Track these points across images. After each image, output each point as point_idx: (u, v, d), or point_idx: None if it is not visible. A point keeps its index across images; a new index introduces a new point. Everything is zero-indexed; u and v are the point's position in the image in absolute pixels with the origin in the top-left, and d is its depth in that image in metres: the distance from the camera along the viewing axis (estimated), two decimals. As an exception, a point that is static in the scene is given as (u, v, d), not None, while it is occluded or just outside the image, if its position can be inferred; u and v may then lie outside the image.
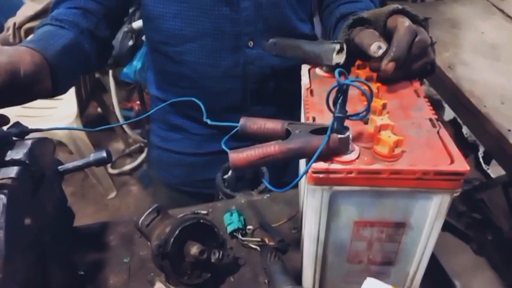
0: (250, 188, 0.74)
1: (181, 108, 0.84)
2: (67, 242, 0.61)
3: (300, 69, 0.62)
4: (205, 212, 0.67)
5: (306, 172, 0.40)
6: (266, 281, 0.56)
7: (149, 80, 0.89)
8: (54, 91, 0.60)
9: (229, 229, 0.62)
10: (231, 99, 0.78)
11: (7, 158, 0.49)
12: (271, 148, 0.41)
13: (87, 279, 0.58)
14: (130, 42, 1.69)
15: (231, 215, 0.64)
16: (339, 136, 0.40)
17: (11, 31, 2.14)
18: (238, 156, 0.40)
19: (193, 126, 0.85)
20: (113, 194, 1.98)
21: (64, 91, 0.63)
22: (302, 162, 0.62)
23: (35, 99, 0.57)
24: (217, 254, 0.54)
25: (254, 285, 0.56)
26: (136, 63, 1.75)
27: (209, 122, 0.54)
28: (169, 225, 0.54)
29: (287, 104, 0.77)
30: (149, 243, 0.56)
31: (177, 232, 0.52)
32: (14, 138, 0.53)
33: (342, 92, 0.40)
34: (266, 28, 0.72)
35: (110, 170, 2.05)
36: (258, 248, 0.60)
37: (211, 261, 0.54)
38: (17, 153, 0.50)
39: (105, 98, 2.08)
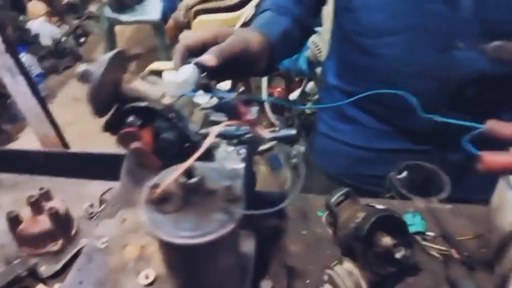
0: (421, 195, 0.71)
1: (360, 100, 0.83)
2: (251, 202, 0.67)
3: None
4: (382, 207, 0.67)
5: None
6: (451, 293, 0.53)
7: (329, 68, 0.91)
8: (264, 72, 0.66)
9: (411, 230, 0.61)
10: (422, 100, 0.75)
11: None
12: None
13: (267, 243, 0.62)
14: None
15: (413, 216, 0.62)
16: None
17: (182, 11, 2.41)
18: (495, 159, 0.38)
19: (367, 119, 0.83)
20: (243, 170, 2.11)
21: (268, 74, 0.70)
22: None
23: (250, 76, 0.64)
24: (403, 251, 0.54)
25: (437, 293, 0.54)
26: (290, 52, 1.81)
27: (437, 119, 0.51)
28: (359, 210, 0.55)
29: (484, 114, 0.71)
30: (332, 222, 0.58)
31: (374, 219, 0.52)
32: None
33: None
34: (483, 30, 0.67)
35: (244, 148, 2.19)
36: (439, 256, 0.58)
37: (394, 257, 0.54)
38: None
39: (250, 80, 2.22)
